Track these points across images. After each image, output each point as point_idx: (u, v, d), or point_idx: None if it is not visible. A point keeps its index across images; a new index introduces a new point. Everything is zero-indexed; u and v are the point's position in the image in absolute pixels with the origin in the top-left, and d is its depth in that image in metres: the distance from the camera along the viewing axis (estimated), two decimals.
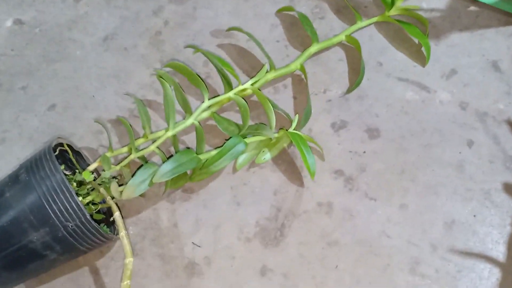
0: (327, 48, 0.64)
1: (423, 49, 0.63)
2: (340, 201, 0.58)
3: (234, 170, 0.60)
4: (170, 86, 0.56)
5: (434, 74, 0.63)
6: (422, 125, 0.61)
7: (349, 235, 0.57)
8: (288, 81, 0.63)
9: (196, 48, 0.60)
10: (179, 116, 0.61)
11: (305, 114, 0.59)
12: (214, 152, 0.56)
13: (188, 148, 0.60)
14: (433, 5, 0.66)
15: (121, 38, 0.66)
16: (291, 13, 0.66)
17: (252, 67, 0.64)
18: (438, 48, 0.64)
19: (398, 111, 0.61)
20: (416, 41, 0.64)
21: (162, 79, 0.57)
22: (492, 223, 0.57)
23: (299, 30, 0.65)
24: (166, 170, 0.53)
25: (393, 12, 0.63)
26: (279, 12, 0.66)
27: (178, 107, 0.58)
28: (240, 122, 0.57)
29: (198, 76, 0.56)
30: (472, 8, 0.66)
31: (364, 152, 0.60)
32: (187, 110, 0.57)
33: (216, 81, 0.63)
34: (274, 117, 0.56)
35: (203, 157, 0.56)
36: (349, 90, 0.62)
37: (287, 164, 0.60)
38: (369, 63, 0.63)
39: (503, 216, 0.57)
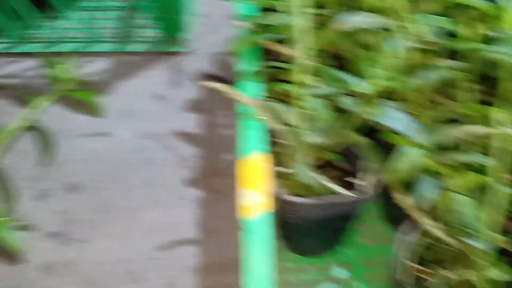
0: None
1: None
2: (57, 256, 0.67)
3: None
4: None
5: (112, 120, 0.76)
6: (111, 164, 0.72)
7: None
8: None
9: None
10: None
11: None
12: None
13: None
14: (95, 68, 0.81)
15: None
16: None
17: None
18: (114, 98, 0.77)
19: (92, 162, 0.73)
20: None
21: None
22: (185, 217, 0.68)
23: None
24: None
25: (60, 87, 0.76)
26: None
27: None
28: None
29: None
30: (131, 58, 0.82)
31: (69, 207, 0.70)
32: None
33: None
34: None
35: None
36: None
37: None
38: (61, 134, 0.75)
39: (190, 208, 0.68)
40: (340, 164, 0.55)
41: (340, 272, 0.61)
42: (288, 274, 0.61)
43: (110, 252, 0.65)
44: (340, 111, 0.52)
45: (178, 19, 0.81)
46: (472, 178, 0.44)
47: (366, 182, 0.52)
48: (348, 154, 0.55)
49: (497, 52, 0.45)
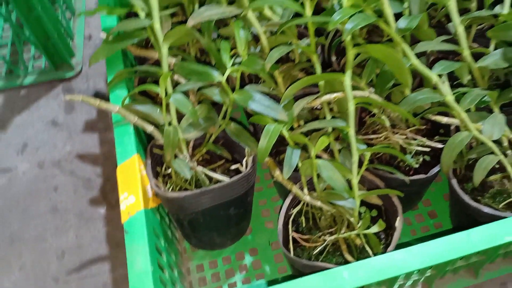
0: None
1: None
2: None
3: None
4: None
5: (11, 155, 0.75)
6: (15, 198, 0.72)
7: None
8: None
9: None
10: None
11: None
12: None
13: None
14: None
15: None
16: None
17: None
18: (11, 133, 0.77)
19: None
20: None
21: None
22: (94, 236, 0.68)
23: None
24: None
25: None
26: None
27: None
28: None
29: None
30: (23, 91, 0.81)
31: None
32: None
33: None
34: None
35: None
36: None
37: None
38: None
39: (98, 227, 0.69)
40: (223, 153, 0.56)
41: (249, 259, 0.62)
42: (201, 272, 0.62)
43: (20, 286, 0.64)
44: (212, 102, 0.54)
45: (63, 45, 0.82)
46: (324, 141, 0.46)
47: (246, 166, 0.54)
48: (228, 142, 0.57)
49: (334, 21, 0.47)
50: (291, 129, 0.51)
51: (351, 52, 0.47)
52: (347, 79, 0.47)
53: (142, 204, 0.48)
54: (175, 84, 0.53)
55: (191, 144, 0.56)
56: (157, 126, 0.53)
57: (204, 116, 0.54)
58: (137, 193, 0.48)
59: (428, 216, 0.63)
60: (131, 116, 0.52)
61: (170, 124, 0.51)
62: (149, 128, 0.51)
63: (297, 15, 0.53)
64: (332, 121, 0.49)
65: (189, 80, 0.53)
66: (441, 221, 0.62)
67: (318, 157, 0.49)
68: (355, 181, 0.47)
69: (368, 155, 0.49)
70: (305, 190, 0.50)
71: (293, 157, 0.48)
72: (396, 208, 0.49)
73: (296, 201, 0.51)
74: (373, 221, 0.50)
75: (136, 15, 0.53)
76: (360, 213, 0.49)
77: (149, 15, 0.53)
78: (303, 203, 0.51)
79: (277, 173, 0.51)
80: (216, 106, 0.54)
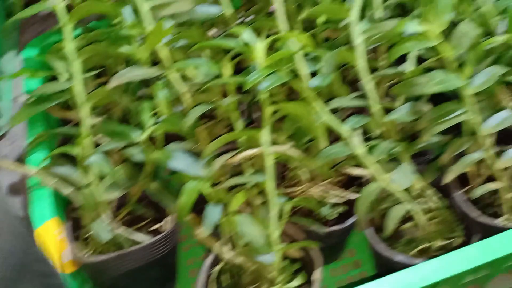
0: None
1: None
2: None
3: None
4: None
5: None
6: None
7: None
8: None
9: None
10: None
11: None
12: None
13: None
14: None
15: None
16: None
17: None
18: None
19: None
20: None
21: None
22: None
23: None
24: None
25: None
26: None
27: None
28: None
29: None
30: None
31: None
32: None
33: None
34: None
35: None
36: None
37: None
38: None
39: None
40: (144, 213, 0.56)
41: None
42: None
43: None
44: (132, 162, 0.54)
45: None
46: (241, 196, 0.47)
47: (168, 225, 0.54)
48: (149, 201, 0.56)
49: (250, 82, 0.49)
50: (216, 184, 0.52)
51: (267, 110, 0.49)
52: (264, 135, 0.49)
53: (59, 270, 0.46)
54: (98, 145, 0.53)
55: (115, 204, 0.56)
56: (79, 187, 0.52)
57: (126, 175, 0.54)
58: (53, 258, 0.47)
59: (354, 265, 0.64)
60: (47, 179, 0.51)
61: (88, 185, 0.50)
62: (66, 191, 0.50)
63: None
64: (251, 176, 0.51)
65: (111, 140, 0.53)
66: (366, 270, 0.63)
67: (239, 212, 0.50)
68: (274, 235, 0.48)
69: (287, 208, 0.50)
70: (227, 247, 0.50)
71: (213, 214, 0.48)
72: (316, 260, 0.50)
73: (218, 259, 0.51)
74: (297, 274, 0.51)
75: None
76: (282, 267, 0.50)
77: (70, 77, 0.53)
78: (225, 261, 0.51)
79: (198, 231, 0.51)
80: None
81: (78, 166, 0.52)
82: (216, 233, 0.50)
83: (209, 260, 0.51)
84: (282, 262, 0.49)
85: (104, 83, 0.54)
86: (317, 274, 0.48)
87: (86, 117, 0.52)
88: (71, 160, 0.59)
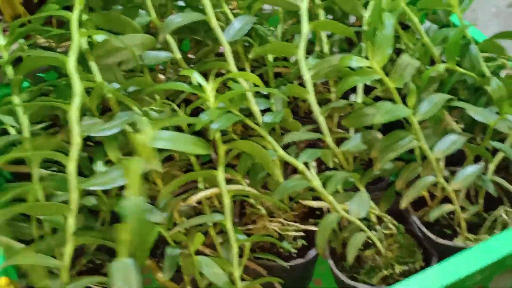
0: None
1: None
2: None
3: None
4: None
5: None
6: None
7: None
8: None
9: None
10: None
11: None
12: None
13: None
14: None
15: None
16: None
17: None
18: None
19: None
20: None
21: None
22: None
23: None
24: None
25: None
26: None
27: None
28: None
29: None
30: None
31: None
32: None
33: None
34: None
35: None
36: None
37: None
38: None
39: None
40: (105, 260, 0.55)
41: None
42: None
43: None
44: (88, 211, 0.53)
45: None
46: (201, 237, 0.46)
47: None
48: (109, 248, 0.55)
49: (201, 122, 0.50)
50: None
51: (221, 149, 0.50)
52: (219, 175, 0.49)
53: None
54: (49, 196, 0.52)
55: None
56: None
57: (80, 225, 0.53)
58: None
59: None
60: None
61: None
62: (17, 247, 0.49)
63: None
64: (210, 216, 0.50)
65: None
66: None
67: (200, 253, 0.50)
68: (236, 273, 0.47)
69: (248, 245, 0.50)
70: None
71: (173, 256, 0.48)
72: None
73: None
74: None
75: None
76: None
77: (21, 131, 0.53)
78: None
79: (159, 275, 0.50)
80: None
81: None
82: (178, 275, 0.49)
83: None
84: None
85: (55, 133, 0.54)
86: None
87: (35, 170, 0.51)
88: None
